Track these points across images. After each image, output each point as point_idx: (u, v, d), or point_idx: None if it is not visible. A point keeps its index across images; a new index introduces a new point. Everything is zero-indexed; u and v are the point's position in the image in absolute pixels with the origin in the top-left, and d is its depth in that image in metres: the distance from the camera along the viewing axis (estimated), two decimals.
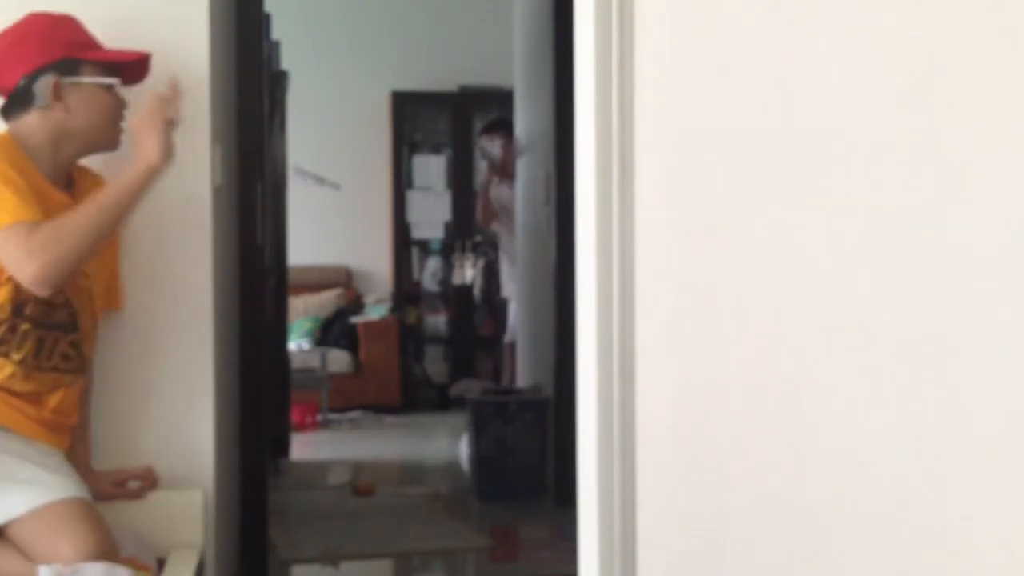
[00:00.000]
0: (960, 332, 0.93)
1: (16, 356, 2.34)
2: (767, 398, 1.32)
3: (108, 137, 2.50)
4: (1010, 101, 0.86)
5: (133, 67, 2.53)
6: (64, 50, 2.42)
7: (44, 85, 2.39)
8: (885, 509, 1.05)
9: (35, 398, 2.40)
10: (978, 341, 0.91)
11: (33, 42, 2.42)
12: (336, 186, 6.62)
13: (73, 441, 2.54)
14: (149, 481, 2.65)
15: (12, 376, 2.34)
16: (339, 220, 7.63)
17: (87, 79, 2.43)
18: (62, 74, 2.40)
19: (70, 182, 2.49)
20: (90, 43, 2.48)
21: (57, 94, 2.40)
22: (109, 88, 2.47)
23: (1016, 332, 0.86)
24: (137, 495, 2.61)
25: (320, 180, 6.43)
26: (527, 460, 4.86)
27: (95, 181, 2.53)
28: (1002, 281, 0.87)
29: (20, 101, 2.41)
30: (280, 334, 5.45)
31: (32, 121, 2.40)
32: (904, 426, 1.02)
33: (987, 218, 0.90)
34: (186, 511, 2.65)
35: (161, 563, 2.50)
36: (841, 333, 1.14)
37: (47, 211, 2.33)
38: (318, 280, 7.52)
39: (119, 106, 2.50)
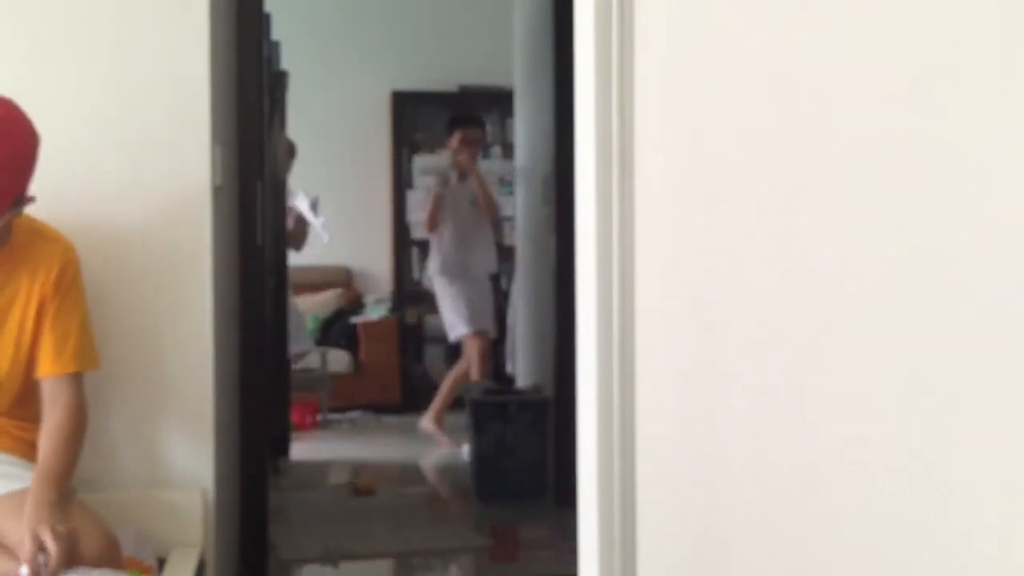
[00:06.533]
0: (961, 331, 0.93)
1: None
2: (768, 398, 1.32)
3: None
4: (1010, 101, 0.86)
5: None
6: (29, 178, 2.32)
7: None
8: (885, 509, 1.05)
9: None
10: (979, 340, 0.91)
11: (29, 168, 2.30)
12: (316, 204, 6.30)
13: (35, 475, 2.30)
14: (59, 557, 2.12)
15: None
16: (339, 220, 7.63)
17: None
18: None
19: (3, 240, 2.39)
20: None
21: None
22: None
23: (1017, 332, 0.86)
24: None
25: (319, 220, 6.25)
26: (527, 460, 4.86)
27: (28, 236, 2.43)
28: (1003, 280, 0.87)
29: None
30: (280, 334, 5.45)
31: None
32: (904, 425, 1.02)
33: (987, 217, 0.90)
34: (186, 511, 2.65)
35: (161, 563, 2.50)
36: (842, 333, 1.14)
37: None
38: (318, 280, 7.52)
39: None
